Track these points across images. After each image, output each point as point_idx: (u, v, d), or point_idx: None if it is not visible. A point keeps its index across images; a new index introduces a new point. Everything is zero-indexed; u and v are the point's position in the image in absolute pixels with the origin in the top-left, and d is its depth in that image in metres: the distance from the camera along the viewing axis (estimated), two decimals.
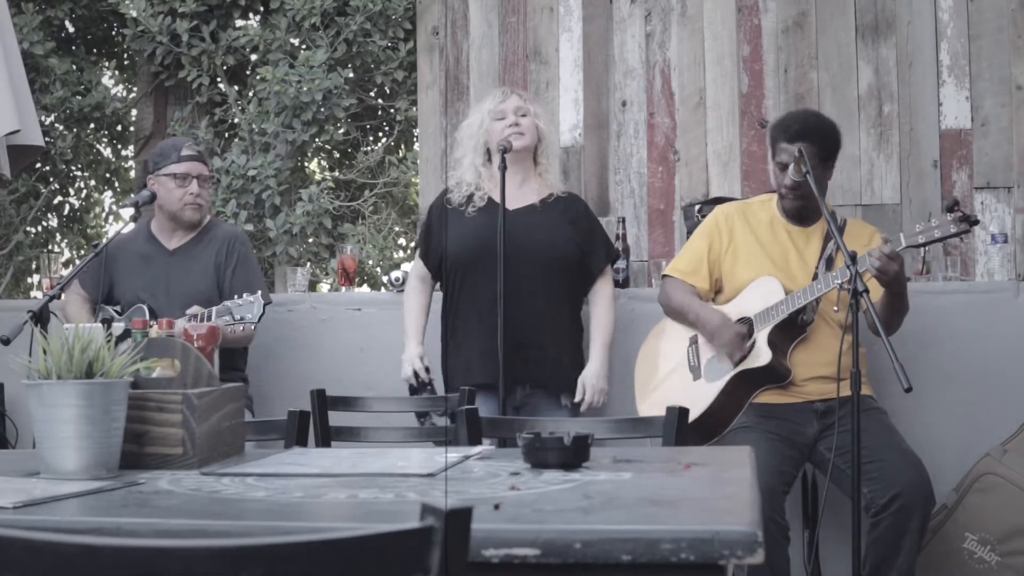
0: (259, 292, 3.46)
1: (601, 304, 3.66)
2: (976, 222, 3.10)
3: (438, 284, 3.76)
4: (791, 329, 3.32)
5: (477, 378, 3.44)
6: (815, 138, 3.35)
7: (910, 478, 3.09)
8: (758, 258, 3.43)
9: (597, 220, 3.78)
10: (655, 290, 3.80)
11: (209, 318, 3.43)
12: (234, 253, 3.76)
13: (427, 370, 3.61)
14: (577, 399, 3.56)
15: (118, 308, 3.82)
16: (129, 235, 3.89)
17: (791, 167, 3.30)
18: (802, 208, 3.42)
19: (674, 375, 3.46)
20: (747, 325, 3.37)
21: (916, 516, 3.08)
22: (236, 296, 3.47)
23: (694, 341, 3.48)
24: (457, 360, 3.62)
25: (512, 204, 3.52)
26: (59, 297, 3.50)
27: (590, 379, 3.57)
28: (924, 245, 3.10)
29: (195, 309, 3.47)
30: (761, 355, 3.28)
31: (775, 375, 3.30)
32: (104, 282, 3.79)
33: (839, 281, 3.18)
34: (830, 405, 3.24)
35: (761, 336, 3.31)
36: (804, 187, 3.29)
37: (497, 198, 3.53)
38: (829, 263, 3.37)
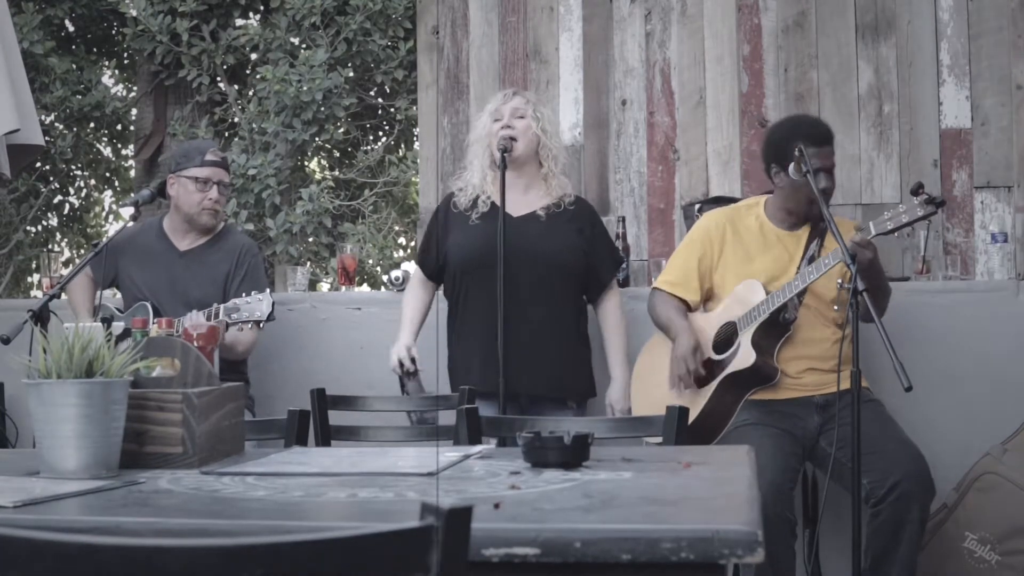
0: (267, 291, 3.47)
1: (613, 318, 3.64)
2: (942, 203, 3.11)
3: (440, 288, 3.76)
4: (775, 329, 3.32)
5: (478, 385, 3.41)
6: (832, 138, 3.41)
7: (909, 467, 3.09)
8: (749, 267, 3.42)
9: (603, 228, 3.73)
10: None
11: (217, 316, 3.43)
12: (244, 264, 3.75)
13: (413, 360, 3.60)
14: None
15: (120, 307, 3.82)
16: (138, 228, 3.88)
17: (791, 167, 3.29)
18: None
19: (665, 385, 3.45)
20: (731, 328, 3.37)
21: (915, 506, 3.08)
22: (244, 295, 3.47)
23: None
24: (459, 367, 3.63)
25: (516, 211, 3.50)
26: (59, 296, 3.50)
27: (618, 401, 3.57)
28: (894, 231, 3.13)
29: (195, 316, 3.46)
30: (746, 357, 3.29)
31: (762, 376, 3.30)
32: (108, 272, 3.80)
33: (815, 276, 3.20)
34: (829, 399, 3.24)
35: (745, 338, 3.31)
36: (798, 162, 3.25)
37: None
38: (810, 263, 3.38)
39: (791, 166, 3.27)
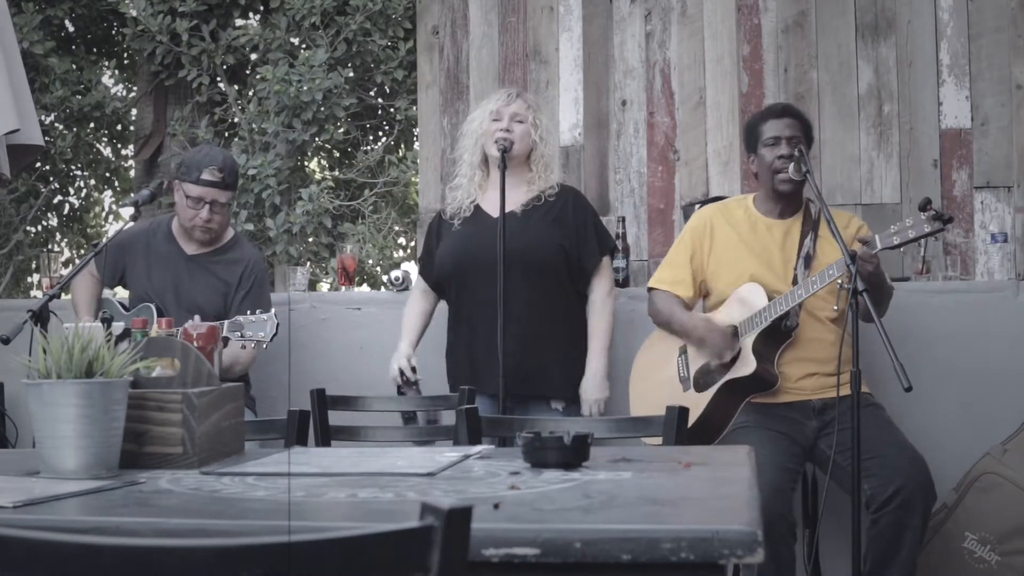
0: (273, 311, 3.42)
1: (596, 305, 3.58)
2: (950, 220, 3.11)
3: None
4: (776, 335, 3.31)
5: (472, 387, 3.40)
6: (796, 114, 3.47)
7: (911, 473, 3.09)
8: (741, 257, 3.42)
9: (591, 212, 3.66)
10: None
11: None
12: (250, 277, 3.72)
13: (413, 370, 3.59)
14: (584, 413, 3.50)
15: (125, 304, 3.81)
16: (147, 227, 3.85)
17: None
18: (793, 192, 3.41)
19: (665, 387, 3.44)
20: (732, 332, 3.37)
21: (917, 511, 3.08)
22: (249, 312, 3.44)
23: (683, 351, 3.48)
24: (453, 371, 3.64)
25: (496, 210, 3.47)
26: (59, 296, 3.49)
27: (588, 390, 3.52)
28: (900, 246, 3.11)
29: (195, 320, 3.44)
30: (747, 364, 3.28)
31: (762, 383, 3.29)
32: (115, 270, 3.78)
33: (819, 286, 3.19)
34: (827, 402, 3.24)
35: (746, 344, 3.30)
36: (797, 163, 3.28)
37: (485, 206, 3.57)
38: (807, 261, 3.37)
39: (757, 145, 3.43)
